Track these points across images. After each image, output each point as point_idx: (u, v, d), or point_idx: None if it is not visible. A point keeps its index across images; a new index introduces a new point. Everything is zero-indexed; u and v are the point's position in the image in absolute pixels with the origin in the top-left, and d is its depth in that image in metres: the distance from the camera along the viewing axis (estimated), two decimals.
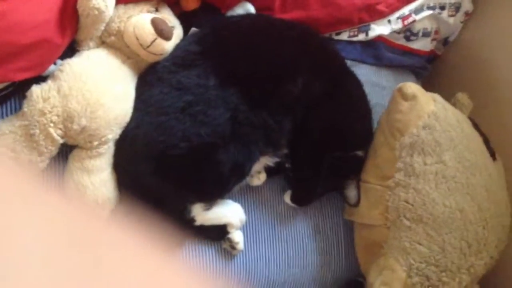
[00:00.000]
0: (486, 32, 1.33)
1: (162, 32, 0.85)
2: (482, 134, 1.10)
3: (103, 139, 0.84)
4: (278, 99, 0.94)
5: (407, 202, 0.98)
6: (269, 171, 1.05)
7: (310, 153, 1.01)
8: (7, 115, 0.83)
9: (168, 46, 0.89)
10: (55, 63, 0.83)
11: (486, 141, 1.10)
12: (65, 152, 0.87)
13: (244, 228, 1.02)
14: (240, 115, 0.89)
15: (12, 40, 0.75)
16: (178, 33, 0.93)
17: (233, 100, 0.89)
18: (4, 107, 0.85)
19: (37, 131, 0.78)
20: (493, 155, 1.10)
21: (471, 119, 1.12)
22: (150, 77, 0.90)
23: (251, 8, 1.02)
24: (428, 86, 1.33)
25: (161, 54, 0.89)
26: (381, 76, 1.25)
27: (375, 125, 1.11)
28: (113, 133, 0.86)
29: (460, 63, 1.40)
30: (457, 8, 1.30)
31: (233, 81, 0.90)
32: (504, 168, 1.13)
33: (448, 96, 1.14)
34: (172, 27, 0.90)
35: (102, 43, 0.88)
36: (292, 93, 0.95)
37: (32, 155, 0.80)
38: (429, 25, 1.27)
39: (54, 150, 0.82)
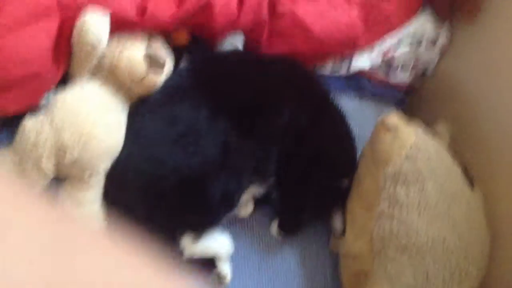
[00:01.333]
0: (462, 64, 1.39)
1: (155, 66, 0.87)
2: (461, 164, 1.14)
3: (95, 171, 0.84)
4: (265, 130, 0.97)
5: (392, 233, 1.00)
6: (257, 202, 1.06)
7: (296, 181, 1.03)
8: None
9: (160, 80, 0.90)
10: (46, 96, 0.84)
11: (464, 170, 1.14)
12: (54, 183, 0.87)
13: (231, 259, 1.03)
14: (230, 145, 0.91)
15: (4, 73, 0.76)
16: (169, 67, 0.95)
17: (223, 131, 0.91)
18: None
19: (29, 165, 0.78)
20: (471, 183, 1.14)
21: (450, 148, 1.17)
22: (142, 109, 0.92)
23: (239, 43, 1.05)
24: (408, 116, 1.38)
25: (153, 87, 0.90)
26: (362, 108, 1.29)
27: (358, 154, 1.14)
28: (105, 164, 0.86)
29: (437, 94, 1.45)
30: (433, 42, 1.36)
31: (223, 113, 0.92)
32: (484, 196, 1.17)
33: (427, 126, 1.18)
34: (164, 60, 0.92)
35: (94, 75, 0.89)
36: (278, 123, 0.98)
37: None
38: (408, 59, 1.32)
39: (44, 183, 0.82)
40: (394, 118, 1.05)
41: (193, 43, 1.00)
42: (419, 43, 1.33)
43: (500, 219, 1.18)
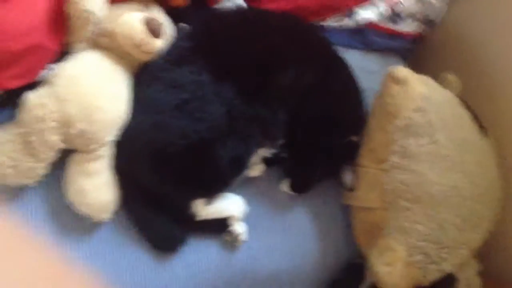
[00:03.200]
0: (469, 12, 1.35)
1: (154, 30, 0.85)
2: (471, 112, 1.12)
3: (101, 142, 0.84)
4: (271, 91, 0.95)
5: (404, 184, 1.00)
6: (266, 161, 1.06)
7: (306, 141, 1.03)
8: (2, 124, 0.82)
9: (160, 44, 0.89)
10: (48, 68, 0.83)
11: (476, 119, 1.12)
12: (64, 157, 0.87)
13: (245, 220, 1.04)
14: (236, 109, 0.90)
15: (3, 48, 0.75)
16: (168, 30, 0.92)
17: (227, 95, 0.89)
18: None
19: (35, 138, 0.78)
20: (482, 131, 1.12)
21: (460, 98, 1.15)
22: (144, 77, 0.90)
23: (239, 0, 1.02)
24: (415, 67, 1.35)
25: (153, 53, 0.89)
26: (369, 61, 1.26)
27: (367, 109, 1.13)
28: (111, 135, 0.86)
29: (445, 43, 1.41)
30: None
31: (226, 76, 0.90)
32: (495, 144, 1.16)
33: (435, 77, 1.15)
34: (163, 24, 0.90)
35: (94, 44, 0.87)
36: (284, 84, 0.96)
37: (31, 162, 0.80)
38: (415, 8, 1.28)
39: (53, 155, 0.82)
40: (402, 70, 1.02)
41: (191, 4, 0.97)
42: None
43: (510, 166, 1.17)
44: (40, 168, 0.81)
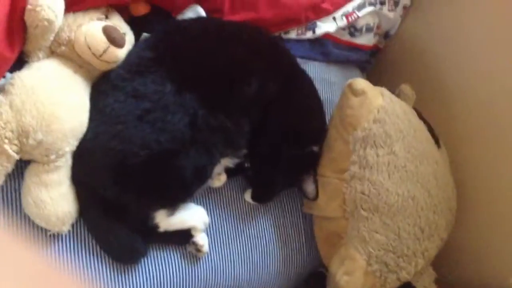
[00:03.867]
0: (424, 24, 1.40)
1: (115, 39, 0.84)
2: (426, 123, 1.17)
3: (60, 152, 0.82)
4: (234, 101, 0.95)
5: (363, 193, 1.02)
6: (229, 171, 1.06)
7: (268, 151, 1.04)
8: None
9: (121, 53, 0.87)
10: (4, 77, 0.80)
11: (430, 129, 1.17)
12: (20, 168, 0.84)
13: (208, 230, 1.03)
14: (199, 119, 0.90)
15: None
16: (129, 40, 0.92)
17: (191, 105, 0.89)
18: None
19: None
20: (437, 142, 1.17)
21: (415, 109, 1.19)
22: (104, 86, 0.89)
23: (201, 11, 1.02)
24: (373, 79, 1.39)
25: (114, 62, 0.87)
26: (329, 72, 1.29)
27: (327, 120, 1.15)
28: (70, 145, 0.84)
29: (401, 55, 1.46)
30: (396, 3, 1.36)
31: (189, 86, 0.90)
32: (449, 152, 1.21)
33: (392, 88, 1.19)
34: (124, 33, 0.89)
35: (52, 53, 0.85)
36: (247, 94, 0.97)
37: None
38: (371, 21, 1.33)
39: (9, 166, 0.79)
40: (361, 82, 1.05)
41: (152, 13, 0.96)
42: (382, 4, 1.32)
43: (464, 173, 1.22)
44: None
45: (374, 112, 1.03)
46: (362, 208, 1.03)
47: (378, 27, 1.36)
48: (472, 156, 1.25)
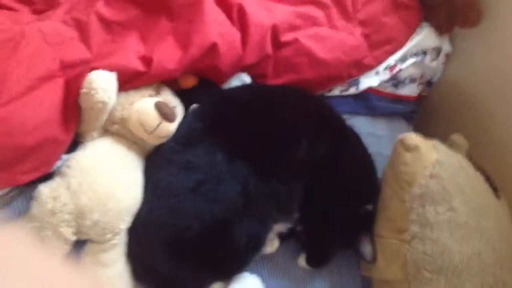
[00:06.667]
0: (466, 70, 1.37)
1: (167, 115, 0.85)
2: (483, 172, 1.12)
3: (116, 231, 0.82)
4: (285, 165, 0.94)
5: (426, 254, 0.97)
6: (281, 236, 1.03)
7: (321, 213, 1.01)
8: (14, 219, 0.80)
9: (173, 127, 0.88)
10: (60, 159, 0.81)
11: (488, 179, 1.11)
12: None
13: None
14: (251, 186, 0.88)
15: (17, 144, 0.74)
16: (180, 112, 0.93)
17: (242, 173, 0.88)
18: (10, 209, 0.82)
19: (49, 232, 0.76)
20: (496, 192, 1.11)
21: (470, 158, 1.14)
22: (157, 160, 0.89)
23: (246, 78, 1.03)
24: (420, 130, 1.36)
25: (166, 136, 0.88)
26: (375, 125, 1.27)
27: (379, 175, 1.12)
28: (126, 223, 0.83)
29: (447, 103, 1.43)
30: (438, 51, 1.34)
31: (240, 154, 0.89)
32: (508, 203, 1.15)
33: (441, 138, 1.15)
34: (174, 107, 0.90)
35: (105, 131, 0.87)
36: (298, 157, 0.95)
37: None
38: (414, 72, 1.31)
39: (66, 248, 0.79)
40: (413, 137, 1.02)
41: (200, 84, 0.98)
42: (424, 54, 1.31)
43: None
44: None
45: (429, 168, 1.00)
46: (426, 270, 0.97)
47: (421, 77, 1.34)
48: None
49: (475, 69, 1.36)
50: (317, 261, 1.05)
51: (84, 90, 0.78)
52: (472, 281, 0.97)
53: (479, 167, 1.12)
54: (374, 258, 1.04)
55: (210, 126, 0.92)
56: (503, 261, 1.01)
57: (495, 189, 1.11)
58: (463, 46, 1.38)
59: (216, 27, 0.93)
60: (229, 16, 1.00)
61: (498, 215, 1.05)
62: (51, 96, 0.78)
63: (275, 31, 1.04)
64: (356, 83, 1.20)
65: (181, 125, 0.92)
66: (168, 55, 0.87)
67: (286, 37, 1.06)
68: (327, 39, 1.11)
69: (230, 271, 0.92)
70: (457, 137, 1.21)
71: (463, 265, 0.96)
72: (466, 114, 1.37)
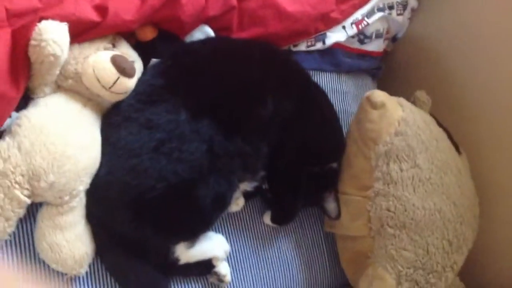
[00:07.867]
0: (433, 25, 1.36)
1: (125, 70, 0.79)
2: (445, 129, 1.13)
3: (73, 193, 0.77)
4: (251, 123, 0.91)
5: (389, 210, 0.98)
6: (246, 194, 1.02)
7: (287, 172, 0.99)
8: None
9: (132, 83, 0.83)
10: (9, 117, 0.75)
11: (450, 136, 1.13)
12: (31, 210, 0.80)
13: (228, 257, 0.99)
14: (216, 146, 0.85)
15: None
16: (139, 67, 0.87)
17: (207, 132, 0.85)
18: None
19: (1, 195, 0.71)
20: (457, 149, 1.13)
21: (433, 115, 1.15)
22: (116, 118, 0.84)
23: (209, 31, 0.98)
24: (384, 85, 1.35)
25: (125, 93, 0.83)
26: (340, 82, 1.25)
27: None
28: (84, 184, 0.79)
29: (411, 58, 1.42)
30: (404, 6, 1.32)
31: (204, 112, 0.86)
32: (468, 159, 1.17)
33: (404, 94, 1.15)
34: (133, 61, 0.84)
35: (58, 87, 0.81)
36: (264, 115, 0.92)
37: None
38: (381, 26, 1.29)
39: (21, 212, 0.74)
40: (379, 94, 1.01)
41: (160, 37, 0.92)
42: (390, 8, 1.29)
43: (484, 178, 1.18)
44: (8, 226, 0.73)
45: (395, 125, 0.99)
46: (389, 226, 0.99)
47: (387, 32, 1.32)
48: (490, 159, 1.21)
49: (440, 25, 1.35)
50: (282, 218, 1.05)
51: (33, 42, 0.71)
52: (433, 236, 0.99)
53: (441, 124, 1.13)
54: (338, 215, 1.04)
55: (172, 82, 0.87)
56: (463, 216, 1.04)
57: (456, 146, 1.13)
58: (429, 2, 1.36)
59: None
60: None
61: (459, 171, 1.07)
62: None
63: None
64: (323, 38, 1.17)
65: (140, 81, 0.86)
66: (125, 4, 0.81)
67: None
68: None
69: (196, 231, 0.90)
70: (421, 94, 1.21)
71: (425, 221, 0.98)
72: (429, 70, 1.37)
